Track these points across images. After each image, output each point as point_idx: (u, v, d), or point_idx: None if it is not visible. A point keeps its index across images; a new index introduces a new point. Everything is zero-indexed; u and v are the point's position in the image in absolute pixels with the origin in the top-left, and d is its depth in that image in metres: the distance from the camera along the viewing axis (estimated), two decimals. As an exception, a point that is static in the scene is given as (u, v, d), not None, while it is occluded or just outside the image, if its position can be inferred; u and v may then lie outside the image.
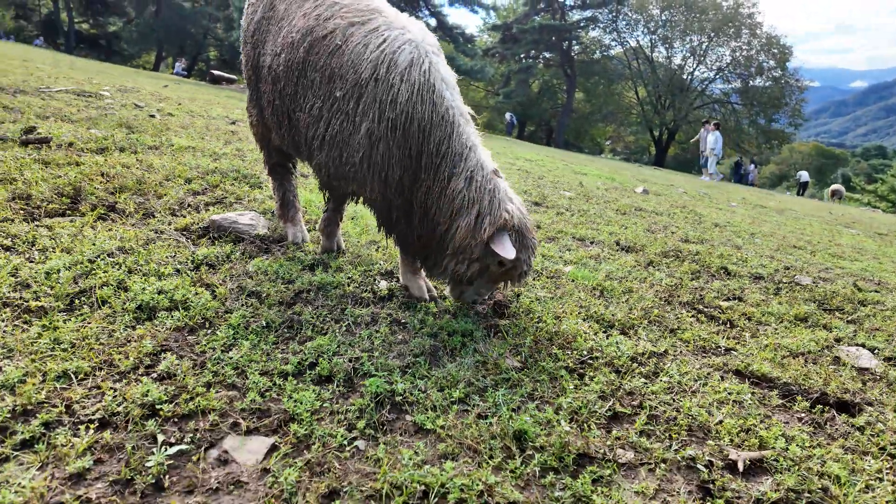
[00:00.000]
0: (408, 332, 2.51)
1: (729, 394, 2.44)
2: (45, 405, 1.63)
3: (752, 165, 35.72)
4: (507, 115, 38.16)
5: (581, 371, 2.44)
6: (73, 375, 1.77)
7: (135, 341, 2.01)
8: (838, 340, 3.37)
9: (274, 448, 1.68)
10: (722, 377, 2.64)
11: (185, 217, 3.40)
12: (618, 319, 3.04)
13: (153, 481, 1.46)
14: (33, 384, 1.66)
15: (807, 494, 1.85)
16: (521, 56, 43.62)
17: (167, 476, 1.50)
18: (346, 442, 1.73)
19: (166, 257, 2.76)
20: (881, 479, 1.97)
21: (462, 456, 1.76)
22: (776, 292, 4.19)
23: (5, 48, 17.00)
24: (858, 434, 2.29)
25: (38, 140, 4.48)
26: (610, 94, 46.96)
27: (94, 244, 2.69)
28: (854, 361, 3.11)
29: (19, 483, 1.36)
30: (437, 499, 1.56)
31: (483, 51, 39.71)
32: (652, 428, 2.10)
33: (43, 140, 4.50)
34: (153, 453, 1.54)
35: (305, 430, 1.75)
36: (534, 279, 3.45)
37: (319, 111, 2.47)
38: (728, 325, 3.37)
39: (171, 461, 1.55)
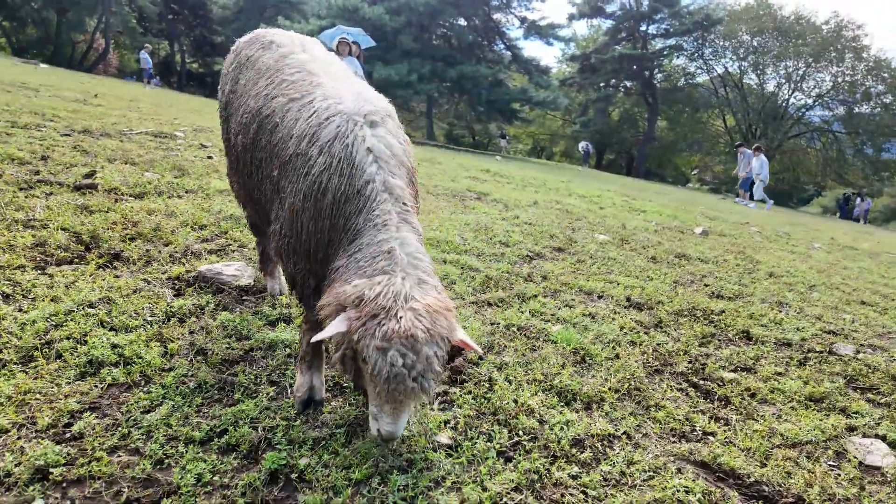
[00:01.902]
0: (344, 399, 2.51)
1: (675, 491, 2.22)
2: (-47, 462, 1.79)
3: (859, 199, 32.61)
4: (582, 145, 37.50)
5: (510, 455, 2.31)
6: (-9, 432, 1.93)
7: (64, 398, 2.16)
8: (851, 429, 2.97)
9: (145, 522, 1.73)
10: (679, 469, 2.40)
11: (182, 265, 3.63)
12: (584, 392, 2.87)
13: (11, 550, 1.56)
14: (-57, 442, 1.83)
15: None
16: (601, 85, 42.99)
17: (30, 544, 1.59)
18: (216, 521, 1.75)
19: (142, 308, 2.96)
20: None
21: (328, 547, 1.72)
22: (801, 364, 3.78)
23: (123, 89, 19.16)
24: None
25: (88, 186, 4.99)
26: (695, 123, 45.02)
27: (79, 294, 2.94)
28: (862, 457, 2.73)
29: None
30: None
31: (560, 81, 39.56)
32: (559, 529, 1.94)
33: (91, 186, 5.01)
34: (24, 520, 1.64)
35: (180, 505, 1.79)
36: (509, 340, 3.34)
37: (268, 191, 2.54)
38: (722, 403, 3.08)
39: (39, 529, 1.64)
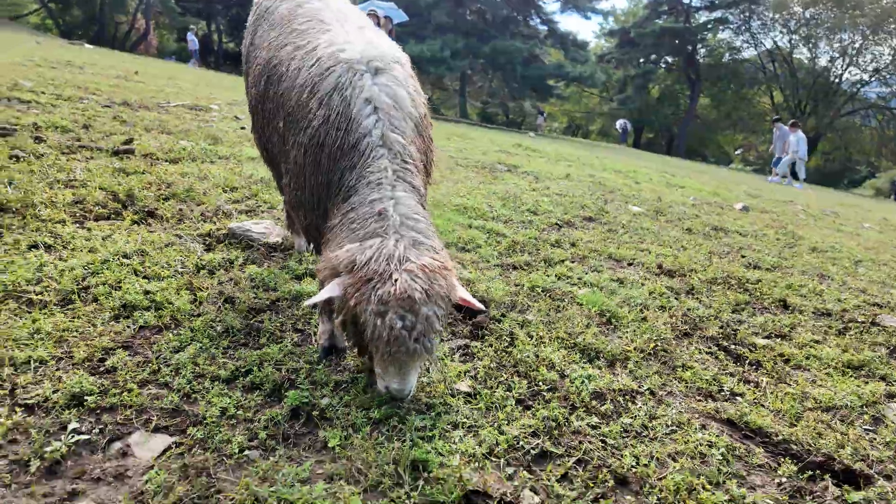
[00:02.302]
0: (365, 347, 2.54)
1: (698, 445, 2.17)
2: (-5, 387, 1.89)
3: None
4: (620, 122, 36.53)
5: (529, 404, 2.31)
6: (31, 363, 2.03)
7: (98, 337, 2.25)
8: (891, 397, 2.84)
9: (172, 447, 1.79)
10: (703, 426, 2.35)
11: (213, 223, 3.72)
12: (608, 350, 2.82)
13: (47, 465, 1.64)
14: (-12, 368, 1.93)
15: (726, 574, 1.60)
16: (640, 60, 41.63)
17: (65, 461, 1.67)
18: (238, 450, 1.81)
19: (173, 260, 3.05)
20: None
21: (345, 478, 1.76)
22: (840, 333, 3.63)
23: (162, 67, 19.59)
24: (843, 512, 1.92)
25: (125, 151, 5.14)
26: (740, 100, 43.20)
27: (115, 246, 3.05)
28: (901, 423, 2.61)
29: (-64, 453, 1.59)
30: (289, 517, 1.58)
31: (598, 56, 38.51)
32: (576, 473, 1.93)
33: (129, 151, 5.16)
34: (59, 440, 1.72)
35: (204, 434, 1.85)
36: (533, 301, 3.31)
37: (277, 144, 2.53)
38: (752, 367, 2.99)
39: (73, 448, 1.72)
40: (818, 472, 2.15)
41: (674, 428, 2.29)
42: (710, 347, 3.14)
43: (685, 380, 2.72)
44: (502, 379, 2.43)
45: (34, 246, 2.95)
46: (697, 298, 3.86)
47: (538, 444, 2.05)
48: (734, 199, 10.04)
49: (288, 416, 2.01)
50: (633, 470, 1.98)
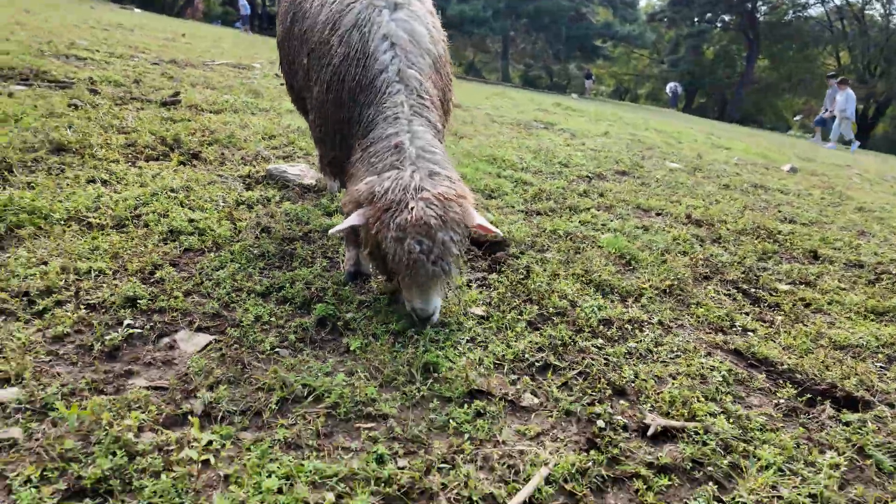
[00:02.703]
0: (389, 274, 2.71)
1: (700, 368, 2.27)
2: (63, 290, 2.16)
3: None
4: (671, 85, 35.07)
5: (538, 325, 2.44)
6: (92, 272, 2.30)
7: (149, 254, 2.51)
8: (911, 339, 2.83)
9: (212, 343, 2.03)
10: (709, 353, 2.44)
11: (253, 166, 3.94)
12: (622, 286, 2.91)
13: (107, 350, 1.90)
14: (50, 274, 2.20)
15: (708, 468, 1.72)
16: (694, 19, 39.58)
17: (121, 349, 1.93)
18: (269, 348, 2.02)
19: (216, 195, 3.29)
20: (816, 473, 1.74)
21: (363, 374, 1.95)
22: (871, 283, 3.59)
23: (208, 30, 20.04)
24: (834, 427, 2.00)
25: (172, 102, 5.43)
26: (802, 61, 40.65)
27: (163, 182, 3.30)
28: (917, 364, 2.62)
29: (17, 335, 1.86)
30: (310, 399, 1.79)
31: (648, 16, 36.86)
32: (576, 382, 2.07)
33: (175, 102, 5.44)
34: (116, 332, 1.98)
35: (240, 334, 2.07)
36: (553, 242, 3.41)
37: (302, 81, 2.66)
38: (770, 309, 3.03)
39: (128, 340, 1.97)
40: (819, 398, 2.21)
41: (678, 353, 2.38)
42: (728, 290, 3.18)
43: (697, 315, 2.79)
44: (515, 305, 2.57)
45: (92, 181, 3.24)
46: (723, 246, 3.86)
47: (543, 357, 2.19)
48: (783, 160, 9.67)
49: (315, 325, 2.22)
50: (632, 383, 2.10)
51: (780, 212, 5.13)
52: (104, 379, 1.75)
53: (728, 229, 4.21)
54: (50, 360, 1.80)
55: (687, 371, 2.24)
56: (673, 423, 1.89)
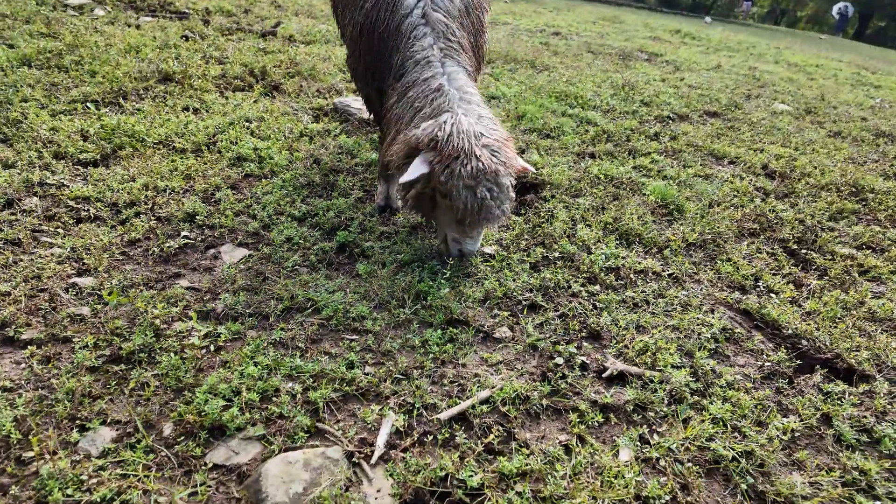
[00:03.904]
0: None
1: (692, 322, 2.30)
2: (142, 203, 2.66)
3: None
4: (839, 6, 29.99)
5: (540, 268, 2.57)
6: (167, 190, 2.78)
7: (214, 177, 2.95)
8: (971, 319, 2.57)
9: (247, 257, 2.43)
10: (712, 310, 2.44)
11: (325, 99, 4.27)
12: (649, 238, 2.91)
13: (164, 256, 2.36)
14: (136, 189, 2.70)
15: (649, 414, 1.84)
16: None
17: (175, 255, 2.39)
18: (291, 265, 2.39)
19: (284, 126, 3.67)
20: (760, 433, 1.79)
21: (361, 295, 2.25)
22: (960, 254, 3.19)
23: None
24: (813, 395, 1.98)
25: (270, 33, 5.86)
26: None
27: (241, 111, 3.73)
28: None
29: (101, 237, 2.38)
30: (311, 310, 2.13)
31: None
32: (554, 323, 2.22)
33: (272, 33, 5.87)
34: (175, 241, 2.44)
35: (270, 251, 2.45)
36: (592, 187, 3.40)
37: (341, 21, 2.83)
38: (815, 273, 2.87)
39: (182, 248, 2.43)
40: (818, 366, 2.17)
41: (677, 307, 2.41)
42: (772, 248, 3.03)
43: (720, 271, 2.73)
44: (524, 247, 2.70)
45: (186, 109, 3.75)
46: (791, 202, 3.59)
47: (531, 297, 2.34)
48: (942, 103, 8.20)
49: (336, 249, 2.54)
50: (609, 329, 2.21)
51: (892, 166, 4.54)
52: (156, 277, 2.21)
53: (808, 183, 3.87)
54: (122, 259, 2.30)
55: (676, 325, 2.29)
56: (631, 368, 2.00)
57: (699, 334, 2.24)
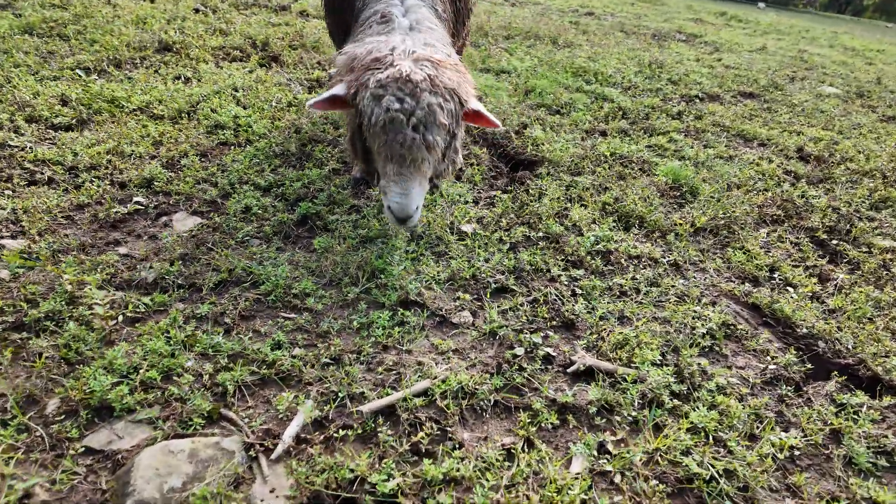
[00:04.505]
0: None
1: (685, 315, 1.99)
2: (103, 167, 2.51)
3: None
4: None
5: (520, 249, 2.30)
6: (132, 156, 2.63)
7: (185, 144, 2.79)
8: None
9: (199, 227, 2.25)
10: (713, 302, 2.11)
11: (324, 71, 4.07)
12: (652, 220, 2.59)
13: (111, 222, 2.21)
14: (100, 153, 2.56)
15: (615, 418, 1.56)
16: None
17: (121, 221, 2.23)
18: (242, 236, 2.19)
19: (272, 96, 3.48)
20: (748, 449, 1.49)
21: (310, 270, 2.04)
22: None
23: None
24: (825, 406, 1.66)
25: (283, 8, 5.71)
26: None
27: (231, 80, 3.57)
28: None
29: (49, 200, 2.25)
30: (250, 284, 1.93)
31: None
32: (523, 309, 1.95)
33: (285, 8, 5.71)
34: (126, 207, 2.28)
35: (223, 221, 2.26)
36: (596, 165, 3.08)
37: None
38: (845, 266, 2.50)
39: (132, 215, 2.27)
40: (836, 372, 1.83)
41: (671, 297, 2.10)
42: (797, 237, 2.66)
43: (731, 261, 2.40)
44: (505, 226, 2.43)
45: (177, 77, 3.61)
46: (826, 188, 3.18)
47: (502, 279, 2.08)
48: None
49: (296, 222, 2.33)
50: (585, 318, 1.92)
51: (952, 154, 4.02)
52: (93, 243, 2.05)
53: (847, 168, 3.44)
54: (65, 224, 2.16)
55: (668, 317, 1.98)
56: (602, 364, 1.71)
57: (692, 329, 1.94)
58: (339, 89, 1.86)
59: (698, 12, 10.60)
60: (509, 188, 2.79)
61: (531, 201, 2.64)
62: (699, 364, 1.77)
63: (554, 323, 1.90)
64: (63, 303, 1.70)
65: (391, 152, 1.79)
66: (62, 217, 2.18)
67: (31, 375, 1.49)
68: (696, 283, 2.21)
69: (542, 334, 1.83)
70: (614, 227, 2.52)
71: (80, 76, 3.42)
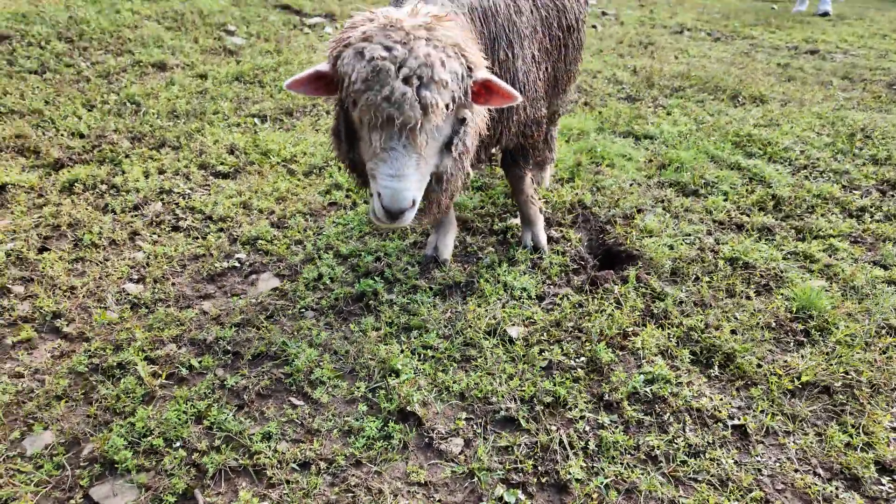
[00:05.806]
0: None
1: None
2: (229, 220, 2.98)
3: None
4: None
5: (550, 367, 2.12)
6: (257, 210, 3.07)
7: (298, 202, 3.15)
8: None
9: (276, 288, 2.54)
10: (767, 500, 1.70)
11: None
12: (741, 362, 2.17)
13: (209, 276, 2.62)
14: (234, 205, 3.04)
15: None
16: None
17: (219, 276, 2.62)
18: (300, 308, 2.42)
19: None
20: None
21: (338, 355, 2.17)
22: None
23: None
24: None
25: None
26: None
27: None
28: None
29: (169, 248, 2.75)
30: (280, 361, 2.13)
31: None
32: (517, 453, 1.81)
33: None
34: (227, 262, 2.68)
35: (293, 287, 2.52)
36: (702, 273, 2.66)
37: None
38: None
39: (231, 270, 2.66)
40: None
41: (708, 478, 1.74)
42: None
43: (832, 440, 1.89)
44: (553, 339, 2.26)
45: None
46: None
47: (512, 409, 1.95)
48: None
49: (354, 297, 2.49)
50: (581, 480, 1.71)
51: None
52: (189, 294, 2.47)
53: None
54: (178, 272, 2.63)
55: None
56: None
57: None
58: (322, 65, 1.62)
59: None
60: (585, 288, 2.58)
61: (599, 311, 2.41)
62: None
63: (544, 480, 1.73)
64: (136, 353, 2.10)
65: (376, 113, 1.50)
66: (178, 265, 2.66)
67: (87, 418, 1.89)
68: (756, 465, 1.80)
69: (521, 492, 1.69)
70: (680, 363, 2.17)
71: (255, 124, 4.08)
